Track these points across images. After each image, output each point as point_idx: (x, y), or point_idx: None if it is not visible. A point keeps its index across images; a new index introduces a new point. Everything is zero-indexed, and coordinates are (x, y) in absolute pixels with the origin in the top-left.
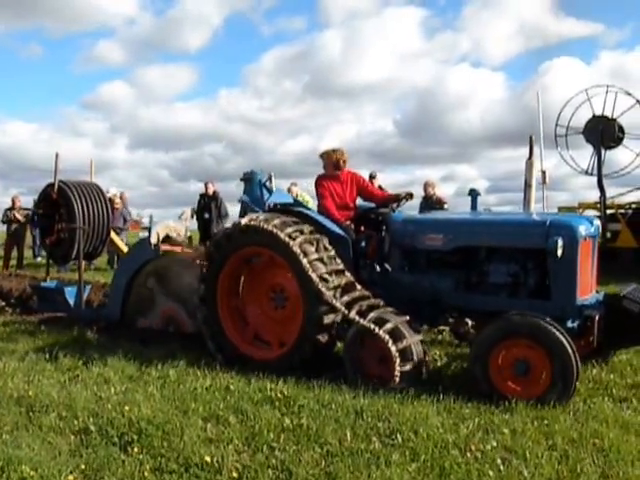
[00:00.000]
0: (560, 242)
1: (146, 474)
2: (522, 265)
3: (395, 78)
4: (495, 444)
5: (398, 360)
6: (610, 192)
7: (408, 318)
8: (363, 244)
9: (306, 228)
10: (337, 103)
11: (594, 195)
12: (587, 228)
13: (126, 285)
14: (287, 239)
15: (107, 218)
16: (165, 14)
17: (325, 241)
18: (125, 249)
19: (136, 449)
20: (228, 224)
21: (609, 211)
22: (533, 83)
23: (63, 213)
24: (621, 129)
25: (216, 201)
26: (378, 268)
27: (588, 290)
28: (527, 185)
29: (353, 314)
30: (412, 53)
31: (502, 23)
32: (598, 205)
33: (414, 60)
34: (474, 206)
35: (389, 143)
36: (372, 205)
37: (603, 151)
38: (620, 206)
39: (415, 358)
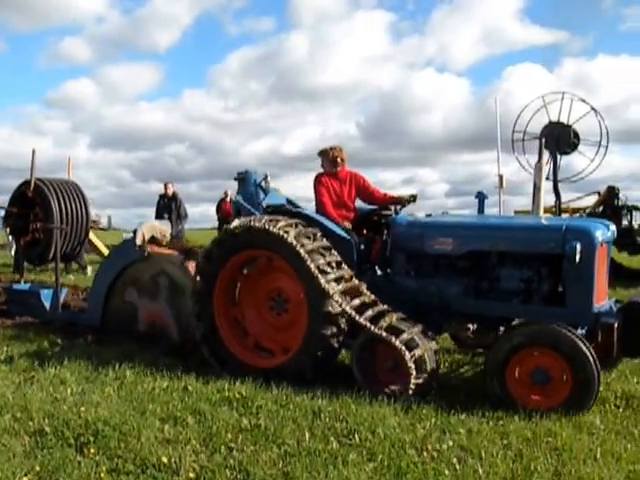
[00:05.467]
0: (579, 247)
1: (102, 475)
2: (536, 271)
3: (360, 81)
4: (451, 444)
5: (414, 372)
6: (566, 197)
7: (422, 327)
8: (363, 247)
9: (311, 230)
10: (302, 105)
11: (550, 200)
12: (604, 233)
13: (107, 289)
14: (295, 242)
15: (86, 218)
16: (134, 13)
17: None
18: (105, 251)
19: (92, 450)
20: (186, 225)
21: (564, 215)
22: (496, 88)
23: (39, 212)
24: (576, 135)
25: (175, 202)
26: (380, 272)
27: (602, 297)
28: (536, 188)
29: (366, 321)
30: (378, 56)
31: (468, 29)
32: (554, 209)
33: (380, 63)
34: (481, 209)
35: (352, 146)
36: (373, 207)
37: (559, 156)
38: (575, 210)
39: (429, 368)
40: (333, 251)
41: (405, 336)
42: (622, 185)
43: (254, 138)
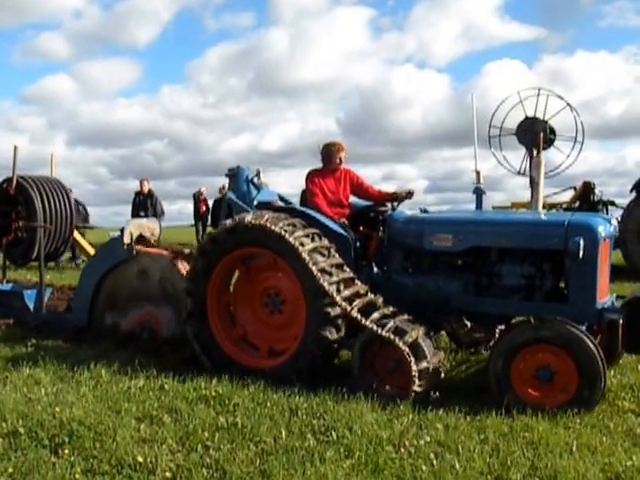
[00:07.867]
0: (582, 243)
1: (77, 476)
2: (537, 267)
3: (340, 77)
4: (429, 439)
5: (413, 396)
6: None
7: (442, 354)
8: (358, 244)
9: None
10: (281, 101)
11: (528, 195)
12: (606, 228)
13: (94, 288)
14: (307, 259)
15: (70, 216)
16: (113, 8)
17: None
18: (91, 250)
19: (67, 451)
20: (163, 223)
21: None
22: (475, 84)
23: (21, 210)
24: (552, 131)
25: (151, 199)
26: (376, 269)
27: (605, 293)
28: (534, 183)
29: (389, 333)
30: (358, 52)
31: (448, 25)
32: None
33: (360, 59)
34: (479, 205)
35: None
36: (369, 203)
37: (535, 152)
38: (552, 205)
39: (425, 391)
40: (345, 267)
41: (424, 365)
42: (598, 180)
43: (233, 134)
